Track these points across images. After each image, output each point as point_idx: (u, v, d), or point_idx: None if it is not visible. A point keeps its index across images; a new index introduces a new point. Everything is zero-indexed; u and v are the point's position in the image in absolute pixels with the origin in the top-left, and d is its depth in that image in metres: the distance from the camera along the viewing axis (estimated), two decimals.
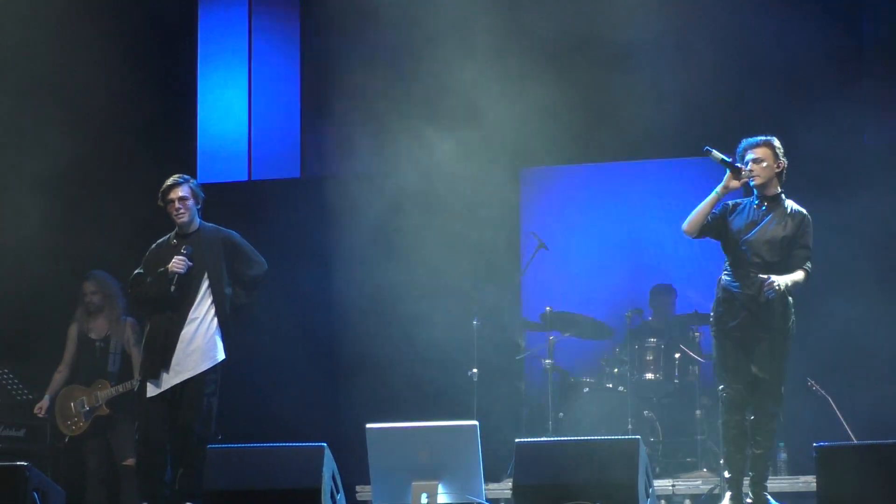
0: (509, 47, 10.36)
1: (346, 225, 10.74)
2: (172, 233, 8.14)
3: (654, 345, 9.93)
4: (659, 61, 10.57)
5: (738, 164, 7.57)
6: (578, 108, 10.32)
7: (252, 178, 11.63)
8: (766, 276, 7.39)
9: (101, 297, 9.47)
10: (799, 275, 7.50)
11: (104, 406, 9.27)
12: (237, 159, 11.67)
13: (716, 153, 7.58)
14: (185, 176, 8.15)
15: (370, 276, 10.72)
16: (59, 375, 9.49)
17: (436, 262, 10.67)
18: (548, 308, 10.04)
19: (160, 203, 8.12)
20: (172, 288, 7.92)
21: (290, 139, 11.61)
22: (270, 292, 10.63)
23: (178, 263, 7.93)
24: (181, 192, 8.04)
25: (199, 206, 8.14)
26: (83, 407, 9.28)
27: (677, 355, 9.86)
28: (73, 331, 9.53)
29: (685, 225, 7.70)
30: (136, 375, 9.29)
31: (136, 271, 8.17)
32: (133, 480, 9.19)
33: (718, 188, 7.59)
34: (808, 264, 7.55)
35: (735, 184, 7.57)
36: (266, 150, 11.69)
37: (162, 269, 7.98)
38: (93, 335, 9.47)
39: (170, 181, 8.10)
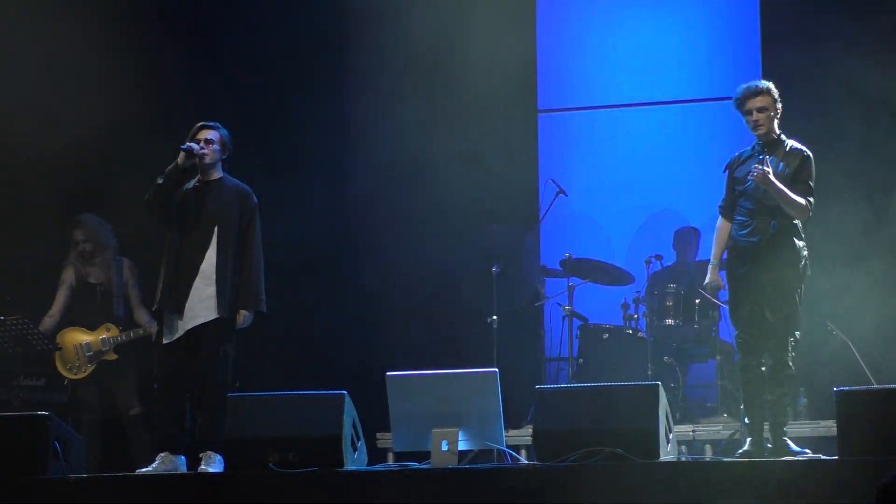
0: None
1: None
2: (195, 179, 8.09)
3: (673, 290, 9.88)
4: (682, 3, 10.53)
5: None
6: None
7: None
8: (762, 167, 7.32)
9: (92, 245, 9.32)
10: (798, 197, 7.36)
11: (112, 351, 9.15)
12: None
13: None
14: (219, 124, 8.08)
15: (390, 223, 10.70)
16: (51, 320, 9.26)
17: (455, 210, 10.64)
18: (567, 255, 10.00)
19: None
20: (183, 153, 7.84)
21: None
22: (290, 241, 10.65)
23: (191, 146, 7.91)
24: (209, 134, 8.00)
25: (225, 157, 8.08)
26: (88, 350, 9.10)
27: (697, 301, 9.82)
28: (68, 275, 9.32)
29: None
30: (138, 318, 9.27)
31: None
32: (139, 430, 9.16)
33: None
34: (811, 199, 7.41)
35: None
36: None
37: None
38: (92, 279, 9.31)
39: (202, 123, 8.06)
